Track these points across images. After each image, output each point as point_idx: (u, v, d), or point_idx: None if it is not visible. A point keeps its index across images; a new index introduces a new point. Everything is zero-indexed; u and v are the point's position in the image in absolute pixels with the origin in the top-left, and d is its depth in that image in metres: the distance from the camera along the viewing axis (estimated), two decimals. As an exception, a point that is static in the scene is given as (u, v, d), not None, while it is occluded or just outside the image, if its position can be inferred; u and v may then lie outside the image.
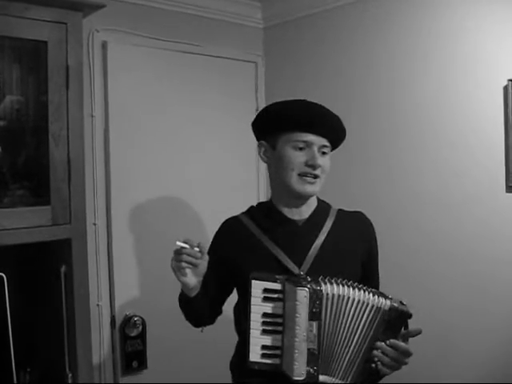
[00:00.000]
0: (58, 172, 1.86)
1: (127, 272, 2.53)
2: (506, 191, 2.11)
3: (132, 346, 2.51)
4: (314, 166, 1.59)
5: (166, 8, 2.64)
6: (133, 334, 2.51)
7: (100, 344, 2.46)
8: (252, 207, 1.80)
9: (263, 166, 2.98)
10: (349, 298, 1.51)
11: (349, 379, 1.52)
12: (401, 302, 1.53)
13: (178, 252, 1.54)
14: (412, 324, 1.53)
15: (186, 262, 1.53)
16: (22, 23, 1.75)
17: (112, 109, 2.47)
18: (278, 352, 1.53)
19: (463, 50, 2.23)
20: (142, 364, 2.54)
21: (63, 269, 1.92)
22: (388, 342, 1.49)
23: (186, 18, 2.71)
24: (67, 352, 1.94)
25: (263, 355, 1.53)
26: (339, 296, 1.50)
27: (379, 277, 1.81)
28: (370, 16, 2.54)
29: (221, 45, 2.84)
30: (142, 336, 2.53)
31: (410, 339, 1.52)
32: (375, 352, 1.50)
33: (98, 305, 2.45)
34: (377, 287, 1.76)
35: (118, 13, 2.46)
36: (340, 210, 1.77)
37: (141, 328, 2.52)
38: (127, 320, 2.49)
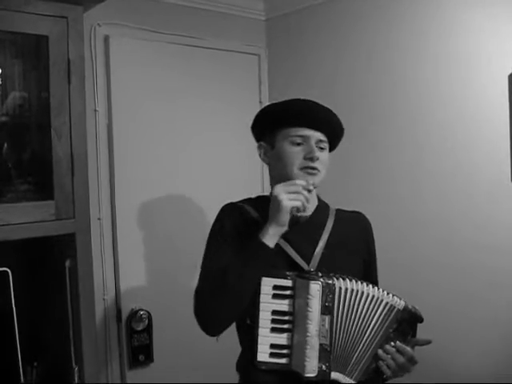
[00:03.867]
0: (61, 167, 1.86)
1: (133, 266, 2.53)
2: (512, 180, 2.10)
3: (138, 339, 2.52)
4: (312, 159, 1.58)
5: (168, 1, 2.63)
6: (139, 328, 2.51)
7: (106, 338, 2.47)
8: (251, 198, 1.76)
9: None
10: (362, 292, 1.51)
11: (354, 376, 1.52)
12: (413, 306, 1.53)
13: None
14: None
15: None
16: (22, 18, 1.75)
17: (115, 103, 2.47)
18: (287, 351, 1.51)
19: (468, 39, 2.21)
20: (149, 358, 2.54)
21: (68, 263, 1.93)
22: (396, 345, 1.50)
23: (188, 11, 2.70)
24: (73, 346, 1.95)
25: (272, 354, 1.51)
26: (352, 290, 1.51)
27: (377, 276, 1.80)
28: (372, 7, 2.52)
29: (223, 37, 2.83)
30: (149, 330, 2.53)
31: None
32: (383, 355, 1.50)
33: (103, 299, 2.45)
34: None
35: (119, 7, 2.46)
36: (338, 209, 1.76)
37: (147, 322, 2.52)
38: (133, 314, 2.49)
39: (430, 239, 2.35)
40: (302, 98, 1.68)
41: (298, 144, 1.60)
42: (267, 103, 2.94)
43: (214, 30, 2.80)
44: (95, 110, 2.42)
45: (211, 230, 1.70)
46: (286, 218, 1.50)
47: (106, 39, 2.45)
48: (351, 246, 1.69)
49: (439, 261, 2.32)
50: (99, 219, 2.45)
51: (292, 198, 1.49)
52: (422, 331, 1.56)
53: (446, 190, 2.30)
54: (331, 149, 1.70)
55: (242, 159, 2.89)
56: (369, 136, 2.56)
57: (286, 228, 1.52)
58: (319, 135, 1.62)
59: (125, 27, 2.50)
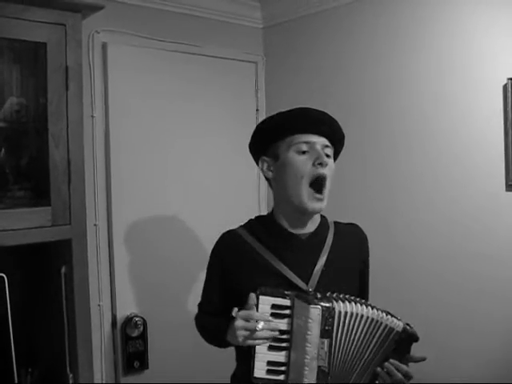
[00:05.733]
0: (58, 173, 1.86)
1: (128, 272, 2.53)
2: (506, 190, 2.11)
3: (133, 346, 2.51)
4: (321, 164, 1.55)
5: (166, 9, 2.65)
6: (134, 335, 2.51)
7: (101, 344, 2.46)
8: (251, 220, 1.74)
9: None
10: (362, 316, 1.50)
11: None
12: (408, 325, 1.53)
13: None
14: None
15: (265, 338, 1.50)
16: (20, 24, 1.76)
17: (112, 109, 2.47)
18: (283, 368, 1.50)
19: (462, 50, 2.23)
20: (144, 364, 2.54)
21: (63, 269, 1.93)
22: (393, 363, 1.50)
23: (186, 18, 2.72)
24: (68, 352, 1.95)
25: (269, 371, 1.50)
26: (352, 314, 1.49)
27: (369, 285, 1.81)
28: (368, 16, 2.54)
29: (221, 45, 2.84)
30: (143, 336, 2.53)
31: None
32: (381, 371, 1.51)
33: (99, 305, 2.45)
34: (367, 297, 1.78)
35: (118, 14, 2.47)
36: (336, 222, 1.75)
37: (142, 328, 2.52)
38: (128, 320, 2.49)
39: (427, 250, 2.36)
40: (301, 106, 1.66)
41: (304, 152, 1.57)
42: (264, 111, 2.98)
43: (212, 38, 2.81)
44: (92, 116, 2.43)
45: (209, 260, 1.74)
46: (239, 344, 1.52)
47: (104, 46, 2.46)
48: (349, 260, 1.68)
49: (435, 271, 2.33)
50: (95, 225, 2.45)
51: (246, 336, 1.48)
52: (419, 343, 1.55)
53: (440, 200, 2.31)
54: (334, 158, 1.67)
55: (238, 166, 2.90)
56: (364, 144, 2.57)
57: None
58: (324, 141, 1.59)
59: (123, 34, 2.51)
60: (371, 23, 2.54)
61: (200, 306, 1.79)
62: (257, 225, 1.70)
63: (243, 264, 1.63)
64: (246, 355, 1.54)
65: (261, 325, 1.46)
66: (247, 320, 1.48)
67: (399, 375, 1.49)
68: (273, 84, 3.00)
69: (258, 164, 1.70)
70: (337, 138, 1.67)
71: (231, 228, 1.72)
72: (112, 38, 2.48)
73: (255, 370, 1.50)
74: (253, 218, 1.77)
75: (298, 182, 1.56)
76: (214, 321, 1.69)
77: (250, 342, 1.48)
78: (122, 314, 2.51)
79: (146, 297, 2.57)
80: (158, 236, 2.62)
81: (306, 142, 1.57)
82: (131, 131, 2.53)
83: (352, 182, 2.61)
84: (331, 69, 2.73)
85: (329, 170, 1.58)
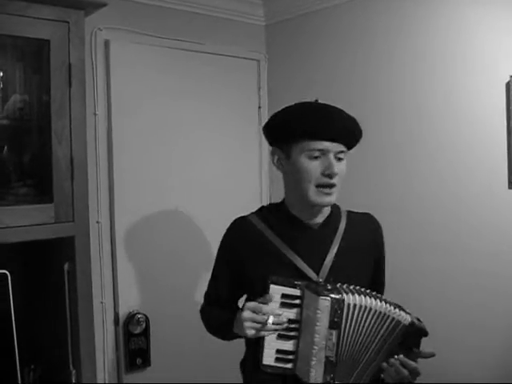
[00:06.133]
0: (61, 170, 1.86)
1: (131, 269, 2.54)
2: (509, 187, 2.11)
3: (136, 343, 2.52)
4: (330, 176, 1.54)
5: (169, 6, 2.64)
6: (136, 332, 2.52)
7: (104, 341, 2.47)
8: (263, 208, 1.74)
9: (266, 165, 2.98)
10: (370, 308, 1.50)
11: None
12: (417, 319, 1.53)
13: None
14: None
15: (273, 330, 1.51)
16: (23, 22, 1.76)
17: (115, 107, 2.48)
18: (292, 357, 1.52)
19: (465, 47, 2.22)
20: (146, 361, 2.55)
21: (66, 266, 1.93)
22: (400, 358, 1.50)
23: (189, 16, 2.72)
24: (71, 349, 1.95)
25: (277, 359, 1.52)
26: (361, 306, 1.49)
27: (385, 276, 1.81)
28: (371, 13, 2.54)
29: (223, 42, 2.84)
30: (146, 333, 2.54)
31: None
32: (386, 366, 1.51)
33: (101, 302, 2.46)
34: (382, 287, 1.78)
35: (120, 11, 2.47)
36: (349, 211, 1.74)
37: (144, 325, 2.52)
38: (131, 317, 2.50)
39: (430, 247, 2.36)
40: (319, 101, 1.62)
41: (316, 157, 1.54)
42: (266, 108, 2.97)
43: (214, 35, 2.81)
44: (95, 114, 2.43)
45: (219, 245, 1.74)
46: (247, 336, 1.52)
47: (107, 43, 2.46)
48: (362, 249, 1.68)
49: (439, 268, 2.33)
50: (98, 223, 2.45)
51: (254, 328, 1.48)
52: (426, 338, 1.55)
53: (443, 198, 2.31)
54: (349, 149, 1.63)
55: (241, 163, 2.91)
56: (366, 142, 2.54)
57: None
58: (339, 146, 1.56)
59: (125, 32, 2.51)
60: (373, 21, 2.54)
61: (206, 295, 1.79)
62: (269, 212, 1.70)
63: (254, 252, 1.63)
64: (255, 342, 1.56)
65: (271, 319, 1.46)
66: (255, 312, 1.48)
67: (405, 372, 1.48)
68: (275, 81, 2.99)
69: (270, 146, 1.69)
70: (354, 140, 1.63)
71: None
72: (115, 36, 2.48)
73: (264, 357, 1.52)
74: (265, 205, 1.77)
75: (306, 185, 1.56)
76: (222, 315, 1.68)
77: (262, 333, 1.48)
78: (124, 311, 2.51)
79: (148, 294, 2.58)
80: (160, 233, 2.62)
81: (320, 150, 1.54)
82: (134, 128, 2.53)
83: (355, 180, 2.59)
84: (333, 66, 2.72)
85: (339, 178, 1.57)
